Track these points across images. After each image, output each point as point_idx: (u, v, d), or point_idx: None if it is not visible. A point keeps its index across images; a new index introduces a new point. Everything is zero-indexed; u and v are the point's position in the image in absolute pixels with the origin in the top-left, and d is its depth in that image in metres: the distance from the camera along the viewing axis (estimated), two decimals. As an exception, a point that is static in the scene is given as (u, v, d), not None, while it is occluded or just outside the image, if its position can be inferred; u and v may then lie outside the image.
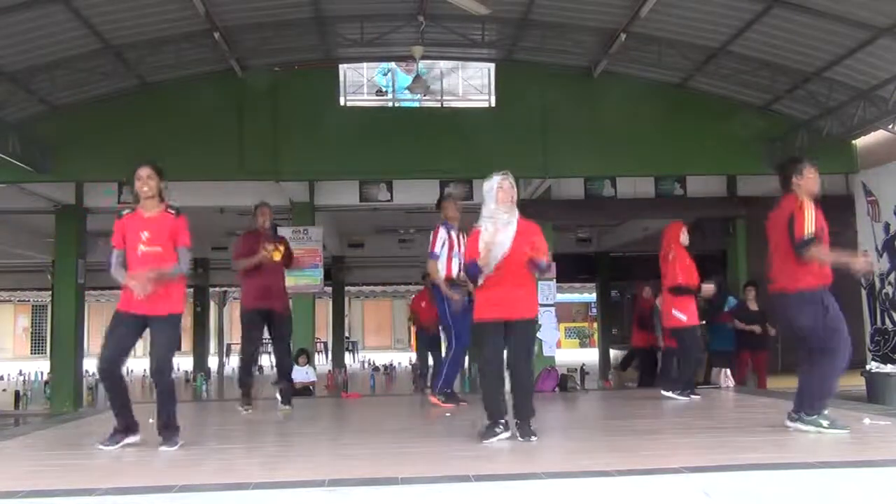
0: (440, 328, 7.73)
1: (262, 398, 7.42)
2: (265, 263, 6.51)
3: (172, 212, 4.67)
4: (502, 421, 4.54)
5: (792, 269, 4.70)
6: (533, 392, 4.84)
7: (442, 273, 6.41)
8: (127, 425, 4.59)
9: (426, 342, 10.83)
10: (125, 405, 4.62)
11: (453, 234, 6.49)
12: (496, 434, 4.47)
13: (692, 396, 6.93)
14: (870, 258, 4.91)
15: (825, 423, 4.56)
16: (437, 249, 6.43)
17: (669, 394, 6.97)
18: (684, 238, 7.19)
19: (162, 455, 4.34)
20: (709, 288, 7.23)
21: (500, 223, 4.64)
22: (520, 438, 4.46)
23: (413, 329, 11.22)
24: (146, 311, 4.52)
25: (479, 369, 4.83)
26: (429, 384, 9.89)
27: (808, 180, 4.78)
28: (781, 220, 4.76)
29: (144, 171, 4.62)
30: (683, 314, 7.02)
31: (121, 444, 4.51)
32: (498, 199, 4.66)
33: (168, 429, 4.56)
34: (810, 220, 4.65)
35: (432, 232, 6.56)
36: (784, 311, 4.84)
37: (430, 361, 10.38)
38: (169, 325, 4.59)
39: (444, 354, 6.93)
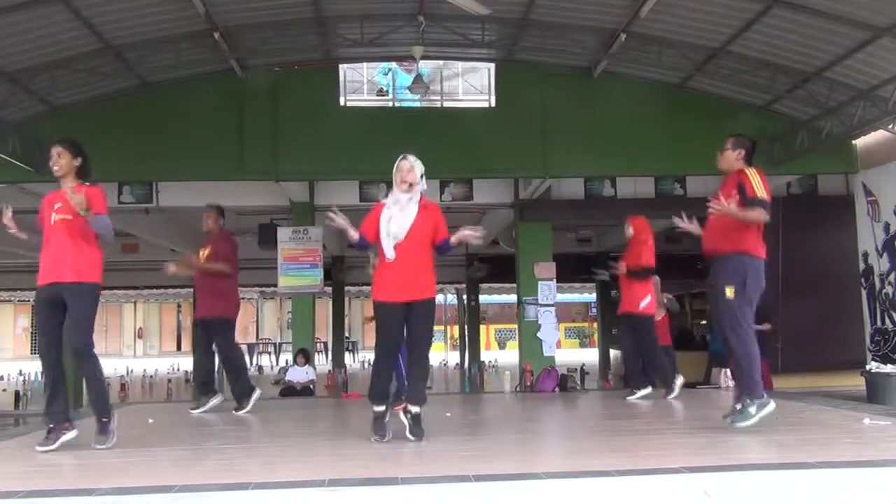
0: None
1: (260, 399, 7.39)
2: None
3: (87, 184, 4.55)
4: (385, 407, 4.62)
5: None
6: (427, 378, 4.87)
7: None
8: (66, 417, 4.48)
9: None
10: (62, 394, 4.52)
11: None
12: (384, 427, 4.53)
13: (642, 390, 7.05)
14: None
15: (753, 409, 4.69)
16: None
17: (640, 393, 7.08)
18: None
19: (163, 454, 4.34)
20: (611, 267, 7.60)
21: (398, 206, 4.70)
22: (409, 436, 4.50)
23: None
24: (56, 278, 4.40)
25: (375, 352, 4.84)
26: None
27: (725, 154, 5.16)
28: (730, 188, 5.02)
29: (55, 150, 4.57)
30: (648, 301, 7.22)
31: (60, 441, 4.40)
32: (396, 182, 4.75)
33: (103, 421, 4.46)
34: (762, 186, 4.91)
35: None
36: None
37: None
38: (83, 292, 4.45)
39: None
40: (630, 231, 7.47)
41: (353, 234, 4.67)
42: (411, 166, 4.76)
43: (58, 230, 4.46)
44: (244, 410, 6.50)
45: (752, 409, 4.63)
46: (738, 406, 4.75)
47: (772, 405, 4.66)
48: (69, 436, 4.45)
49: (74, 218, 4.43)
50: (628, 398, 7.08)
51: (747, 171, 4.94)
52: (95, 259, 4.55)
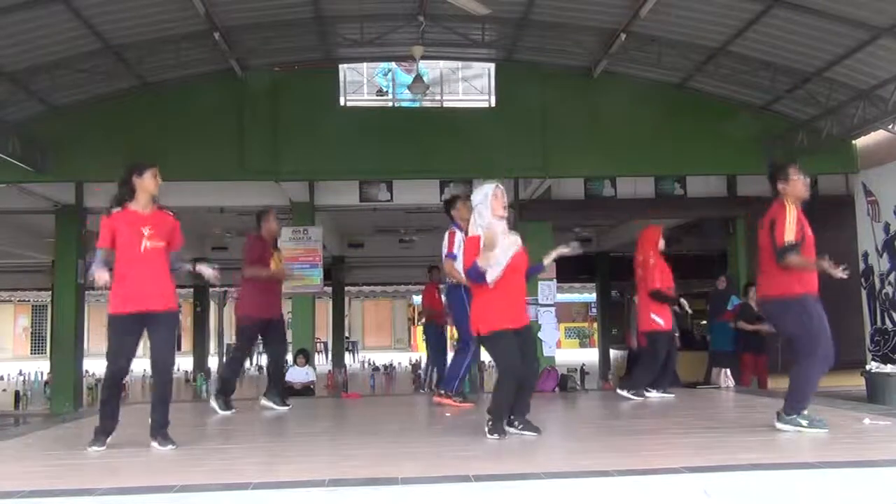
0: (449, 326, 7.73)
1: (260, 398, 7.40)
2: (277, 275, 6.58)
3: (170, 213, 4.70)
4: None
5: (775, 275, 4.73)
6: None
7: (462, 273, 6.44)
8: (112, 429, 4.56)
9: (438, 338, 10.63)
10: (117, 409, 4.59)
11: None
12: (506, 433, 4.60)
13: (646, 395, 7.00)
14: (845, 271, 5.01)
15: (804, 422, 4.60)
16: (455, 250, 6.41)
17: (625, 392, 7.02)
18: (662, 244, 7.24)
19: (163, 454, 4.33)
20: (685, 304, 7.41)
21: (501, 231, 4.72)
22: (526, 433, 4.60)
23: (419, 326, 11.14)
24: (145, 307, 4.48)
25: (501, 376, 4.85)
26: (433, 385, 9.91)
27: (794, 183, 4.77)
28: (766, 225, 4.80)
29: (157, 171, 4.67)
30: (661, 318, 7.10)
31: (105, 446, 4.46)
32: (493, 209, 4.72)
33: (164, 427, 4.54)
34: (791, 226, 4.66)
35: (448, 233, 6.53)
36: (769, 316, 4.95)
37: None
38: (168, 320, 4.56)
39: (456, 355, 6.97)
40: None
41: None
42: (504, 192, 4.83)
43: (150, 257, 4.51)
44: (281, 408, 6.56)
45: (805, 423, 4.61)
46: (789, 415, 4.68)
47: (824, 431, 4.60)
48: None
49: (166, 246, 4.60)
50: (649, 394, 7.03)
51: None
52: (174, 286, 4.74)
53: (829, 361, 4.72)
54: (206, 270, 5.06)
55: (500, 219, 4.74)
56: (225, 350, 24.13)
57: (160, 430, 4.50)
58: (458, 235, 6.39)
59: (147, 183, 4.63)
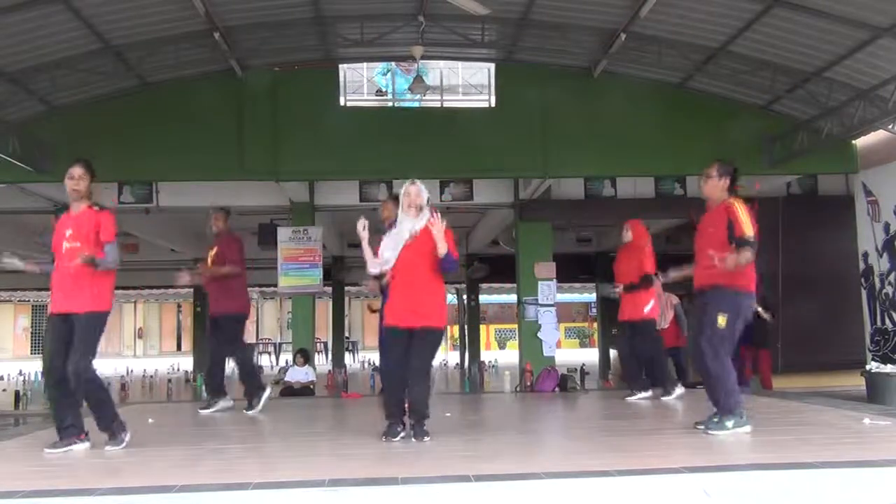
0: None
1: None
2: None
3: (96, 207, 4.66)
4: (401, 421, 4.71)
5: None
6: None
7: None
8: (78, 427, 4.53)
9: None
10: (74, 407, 4.56)
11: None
12: (397, 433, 4.62)
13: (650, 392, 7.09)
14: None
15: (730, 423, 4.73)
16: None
17: (673, 394, 7.09)
18: None
19: (163, 454, 4.34)
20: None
21: (394, 229, 4.86)
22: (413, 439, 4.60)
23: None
24: (66, 308, 4.48)
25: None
26: None
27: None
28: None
29: (77, 171, 4.66)
30: (651, 306, 7.27)
31: (70, 447, 4.45)
32: (403, 206, 4.87)
33: (109, 430, 4.52)
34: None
35: None
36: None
37: None
38: (91, 322, 4.51)
39: None
40: (629, 235, 7.43)
41: None
42: (419, 191, 4.87)
43: (69, 258, 4.50)
44: (254, 411, 6.53)
45: (729, 424, 4.69)
46: (716, 419, 4.78)
47: (748, 427, 4.71)
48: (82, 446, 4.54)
49: (83, 246, 4.52)
50: (628, 398, 7.11)
51: (735, 207, 4.90)
52: (107, 285, 4.63)
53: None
54: (14, 262, 4.96)
55: (407, 215, 4.84)
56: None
57: (105, 432, 4.54)
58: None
59: (66, 184, 4.68)
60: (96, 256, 4.49)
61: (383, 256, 4.76)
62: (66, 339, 4.48)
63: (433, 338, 4.70)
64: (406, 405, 4.70)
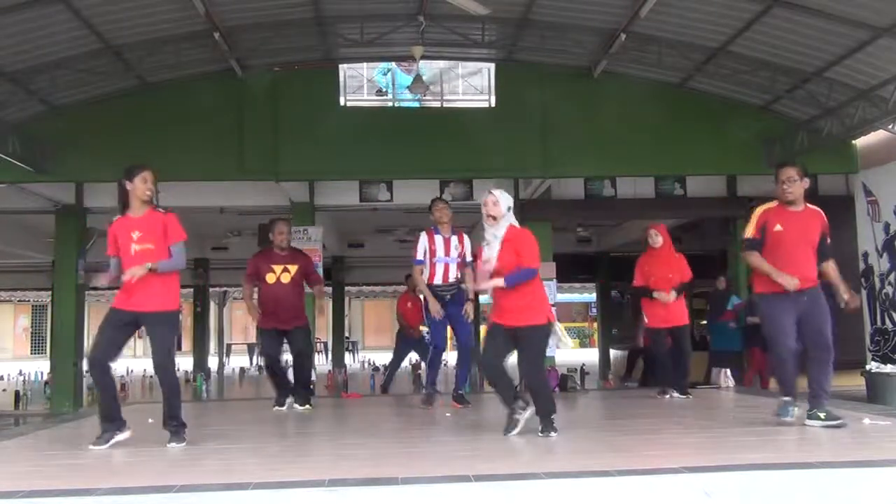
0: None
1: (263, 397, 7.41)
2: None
3: (161, 210, 4.74)
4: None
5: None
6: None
7: (424, 279, 6.47)
8: (115, 421, 4.60)
9: (408, 344, 10.87)
10: (114, 400, 4.64)
11: (437, 238, 6.48)
12: (517, 422, 4.69)
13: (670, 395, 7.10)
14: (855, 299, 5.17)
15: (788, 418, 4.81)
16: (419, 255, 6.45)
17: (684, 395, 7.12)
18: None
19: (163, 454, 4.34)
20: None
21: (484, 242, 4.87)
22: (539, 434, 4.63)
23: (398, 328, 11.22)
24: (139, 307, 4.54)
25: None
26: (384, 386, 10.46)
27: (778, 185, 4.95)
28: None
29: (150, 175, 4.75)
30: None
31: (111, 442, 4.51)
32: (483, 216, 4.88)
33: (174, 424, 4.61)
34: (750, 225, 4.95)
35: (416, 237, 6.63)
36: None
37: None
38: (163, 321, 4.60)
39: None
40: (659, 240, 7.31)
41: None
42: (496, 201, 4.84)
43: (140, 260, 4.54)
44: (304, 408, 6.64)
45: (823, 415, 4.72)
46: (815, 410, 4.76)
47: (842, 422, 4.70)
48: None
49: (156, 248, 4.60)
50: (663, 396, 7.09)
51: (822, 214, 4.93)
52: (175, 285, 4.72)
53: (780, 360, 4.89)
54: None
55: (487, 224, 4.87)
56: (224, 350, 24.15)
57: (169, 425, 4.65)
58: (422, 238, 6.43)
59: (136, 188, 4.70)
60: (160, 261, 4.58)
61: (489, 264, 4.81)
62: (119, 342, 4.62)
63: (536, 334, 4.82)
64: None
